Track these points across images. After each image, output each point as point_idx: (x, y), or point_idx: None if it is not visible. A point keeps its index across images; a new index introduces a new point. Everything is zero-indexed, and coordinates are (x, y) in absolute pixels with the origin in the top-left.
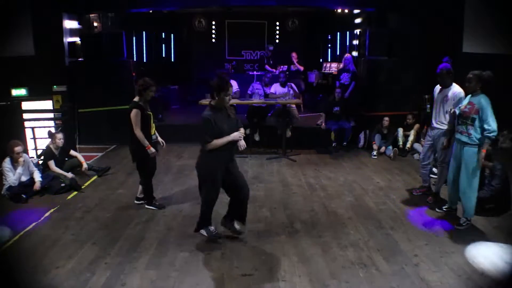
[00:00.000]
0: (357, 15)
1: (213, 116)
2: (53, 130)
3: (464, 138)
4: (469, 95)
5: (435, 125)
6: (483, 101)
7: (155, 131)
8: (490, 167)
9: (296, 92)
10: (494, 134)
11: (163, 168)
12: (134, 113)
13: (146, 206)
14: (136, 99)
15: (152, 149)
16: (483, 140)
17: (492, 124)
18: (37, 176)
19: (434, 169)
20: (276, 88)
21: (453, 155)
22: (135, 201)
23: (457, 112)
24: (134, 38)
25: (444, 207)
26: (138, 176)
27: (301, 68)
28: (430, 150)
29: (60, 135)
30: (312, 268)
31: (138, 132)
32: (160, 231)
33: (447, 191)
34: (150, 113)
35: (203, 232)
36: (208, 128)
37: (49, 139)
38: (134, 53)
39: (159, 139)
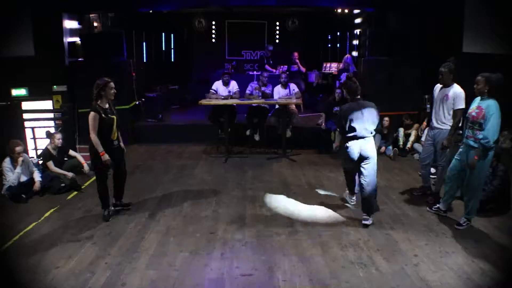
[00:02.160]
0: (357, 15)
1: None
2: (52, 130)
3: (471, 143)
4: (478, 98)
5: (435, 124)
6: (491, 106)
7: (118, 136)
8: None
9: (298, 92)
10: (490, 143)
11: (163, 168)
12: (91, 116)
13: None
14: (94, 102)
15: (106, 156)
16: (479, 146)
17: (490, 133)
18: (37, 176)
19: (433, 169)
20: (278, 90)
21: (459, 157)
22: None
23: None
24: (134, 38)
25: (434, 207)
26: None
27: (304, 69)
28: (430, 150)
29: (59, 135)
30: (312, 268)
31: (93, 137)
32: (160, 231)
33: (444, 188)
34: (114, 117)
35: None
36: None
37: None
38: (134, 53)
39: (122, 145)
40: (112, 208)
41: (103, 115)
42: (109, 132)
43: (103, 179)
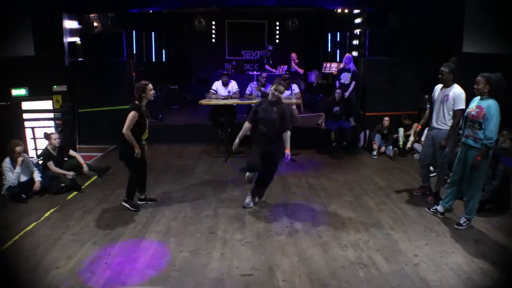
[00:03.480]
0: (357, 15)
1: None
2: (52, 130)
3: (470, 142)
4: (478, 98)
5: (434, 125)
6: (492, 106)
7: (147, 137)
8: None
9: (298, 93)
10: (491, 143)
11: (163, 168)
12: (132, 114)
13: (122, 203)
14: (137, 102)
15: (138, 150)
16: (482, 147)
17: (493, 133)
18: (37, 176)
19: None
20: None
21: (458, 157)
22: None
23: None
24: (134, 38)
25: (432, 208)
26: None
27: (301, 71)
28: (429, 150)
29: (55, 135)
30: (312, 268)
31: (127, 132)
32: (160, 231)
33: (445, 191)
34: (147, 119)
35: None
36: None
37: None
38: (134, 53)
39: (146, 146)
40: (139, 202)
41: (143, 115)
42: (142, 132)
43: (133, 172)
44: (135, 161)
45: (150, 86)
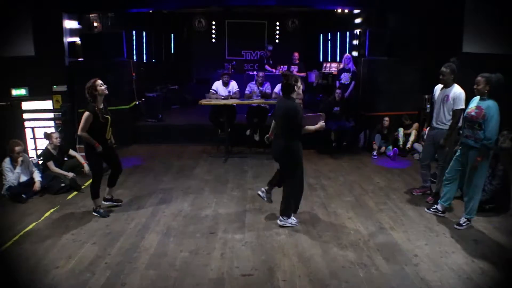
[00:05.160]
0: (357, 15)
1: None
2: (52, 130)
3: (471, 142)
4: (478, 98)
5: (435, 125)
6: (491, 107)
7: (111, 136)
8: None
9: (299, 93)
10: (491, 143)
11: (163, 168)
12: (85, 115)
13: (93, 212)
14: (93, 103)
15: (100, 148)
16: (482, 147)
17: (492, 133)
18: (37, 176)
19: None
20: (279, 89)
21: (456, 157)
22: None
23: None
24: (134, 38)
25: (432, 208)
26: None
27: (303, 74)
28: (430, 150)
29: (56, 134)
30: (312, 268)
31: (82, 133)
32: (160, 231)
33: (443, 190)
34: (108, 117)
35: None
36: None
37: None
38: (134, 53)
39: (112, 141)
40: (103, 202)
41: (99, 116)
42: (104, 131)
43: (99, 178)
44: (99, 160)
45: (99, 81)
